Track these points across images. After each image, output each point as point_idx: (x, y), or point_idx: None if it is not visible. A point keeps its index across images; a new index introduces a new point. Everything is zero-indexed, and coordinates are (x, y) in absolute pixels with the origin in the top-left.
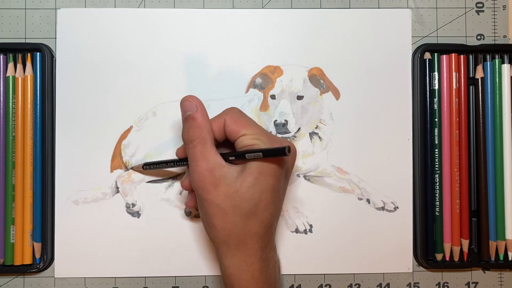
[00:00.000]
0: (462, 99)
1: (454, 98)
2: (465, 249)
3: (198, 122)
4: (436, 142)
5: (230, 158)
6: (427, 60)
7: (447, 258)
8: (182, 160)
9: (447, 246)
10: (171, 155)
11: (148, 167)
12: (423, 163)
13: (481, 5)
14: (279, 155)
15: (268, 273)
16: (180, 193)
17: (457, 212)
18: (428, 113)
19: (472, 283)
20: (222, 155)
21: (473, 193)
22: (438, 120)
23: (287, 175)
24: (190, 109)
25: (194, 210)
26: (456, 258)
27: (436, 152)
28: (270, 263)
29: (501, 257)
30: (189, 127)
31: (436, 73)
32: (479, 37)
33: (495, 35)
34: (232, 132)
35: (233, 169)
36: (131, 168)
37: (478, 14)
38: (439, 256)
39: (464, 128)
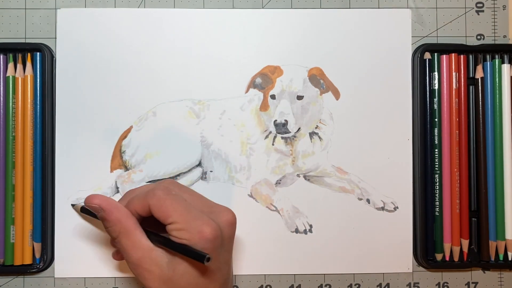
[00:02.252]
0: (462, 99)
1: (454, 98)
2: (465, 249)
3: (112, 220)
4: (436, 142)
5: (157, 243)
6: (427, 60)
7: (447, 258)
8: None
9: (447, 246)
10: (171, 155)
11: (84, 211)
12: (423, 163)
13: (481, 5)
14: (198, 261)
15: None
16: None
17: (457, 212)
18: (428, 113)
19: (472, 283)
20: (155, 239)
21: (473, 193)
22: (438, 120)
23: (227, 247)
24: (97, 211)
25: None
26: (456, 258)
27: (436, 152)
28: None
29: (501, 257)
30: (106, 226)
31: (436, 73)
32: (479, 37)
33: (495, 35)
34: (159, 218)
35: (163, 252)
36: (72, 205)
37: (478, 14)
38: (439, 256)
39: (464, 128)
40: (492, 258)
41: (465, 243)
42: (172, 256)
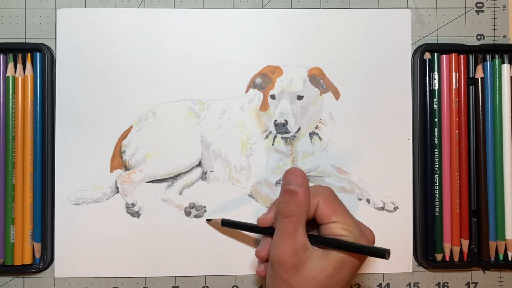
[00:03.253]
0: (462, 99)
1: (454, 98)
2: (465, 249)
3: (300, 199)
4: (436, 142)
5: (316, 241)
6: (427, 60)
7: (447, 258)
8: (264, 229)
9: (447, 246)
10: (171, 155)
11: (226, 225)
12: (423, 163)
13: (481, 5)
14: (377, 257)
15: None
16: (180, 193)
17: (457, 212)
18: (428, 113)
19: (472, 283)
20: (318, 240)
21: (473, 193)
22: (438, 120)
23: (361, 265)
24: (295, 184)
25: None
26: (456, 258)
27: (436, 152)
28: None
29: (501, 257)
30: (289, 201)
31: (436, 73)
32: (479, 37)
33: (495, 35)
34: (323, 216)
35: (315, 254)
36: (207, 220)
37: (478, 14)
38: (439, 256)
39: (464, 128)
40: (492, 258)
41: (465, 243)
42: (322, 258)
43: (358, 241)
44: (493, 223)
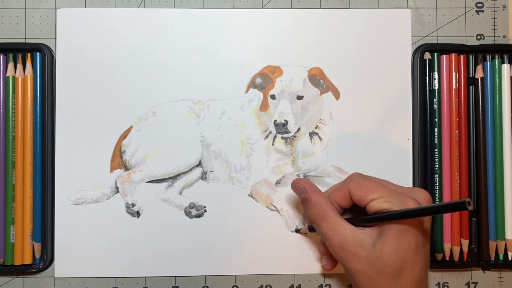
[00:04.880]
0: (462, 99)
1: (454, 98)
2: (465, 249)
3: (313, 202)
4: (436, 142)
5: (363, 224)
6: (427, 60)
7: (447, 258)
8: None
9: (447, 246)
10: (171, 155)
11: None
12: (423, 163)
13: (481, 5)
14: (458, 210)
15: None
16: (180, 193)
17: (457, 212)
18: (428, 113)
19: (472, 283)
20: (359, 220)
21: (473, 193)
22: (438, 120)
23: (426, 224)
24: (300, 192)
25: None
26: (456, 258)
27: (436, 152)
28: None
29: (501, 257)
30: (307, 208)
31: (436, 73)
32: (479, 37)
33: (495, 35)
34: (359, 199)
35: (367, 234)
36: (297, 231)
37: (478, 14)
38: (439, 256)
39: (464, 128)
40: (492, 258)
41: (465, 243)
42: (377, 237)
43: (403, 206)
44: (493, 223)
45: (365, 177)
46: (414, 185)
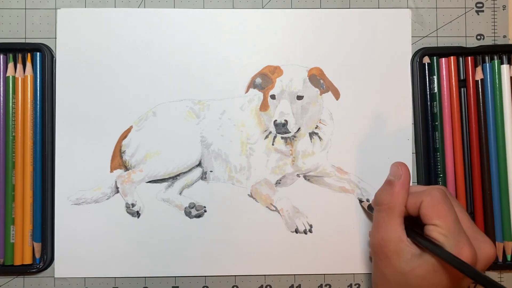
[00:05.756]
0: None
1: (454, 101)
2: None
3: (394, 191)
4: (438, 145)
5: (413, 238)
6: (426, 63)
7: None
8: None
9: None
10: (171, 155)
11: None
12: (426, 167)
13: (481, 5)
14: (457, 269)
15: None
16: (180, 193)
17: None
18: (429, 117)
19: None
20: (415, 234)
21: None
22: (440, 123)
23: (464, 283)
24: (394, 175)
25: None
26: None
27: (438, 156)
28: None
29: (509, 258)
30: (384, 190)
31: (435, 77)
32: (479, 37)
33: (495, 35)
34: (425, 216)
35: (410, 249)
36: (360, 201)
37: (478, 14)
38: None
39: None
40: (500, 259)
41: None
42: (416, 256)
43: (451, 250)
44: (499, 224)
45: (444, 199)
46: None
